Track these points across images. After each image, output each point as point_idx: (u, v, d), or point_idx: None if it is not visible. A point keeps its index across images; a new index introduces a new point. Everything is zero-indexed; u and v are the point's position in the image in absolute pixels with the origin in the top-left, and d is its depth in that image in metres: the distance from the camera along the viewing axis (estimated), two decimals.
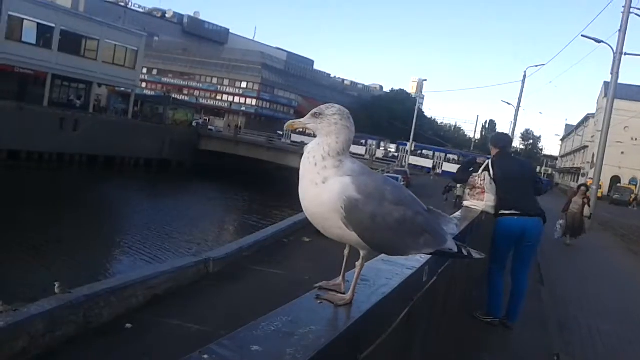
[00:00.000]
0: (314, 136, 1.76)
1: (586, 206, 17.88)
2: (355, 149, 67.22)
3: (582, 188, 19.08)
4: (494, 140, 6.54)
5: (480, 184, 5.96)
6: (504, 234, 5.96)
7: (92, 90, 49.88)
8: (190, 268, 13.98)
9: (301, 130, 1.91)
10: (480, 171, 6.06)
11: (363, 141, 74.56)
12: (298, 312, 1.56)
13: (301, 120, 1.82)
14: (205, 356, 1.18)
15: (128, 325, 10.32)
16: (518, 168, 6.10)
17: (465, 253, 1.97)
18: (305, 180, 1.69)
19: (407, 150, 68.84)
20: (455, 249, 1.92)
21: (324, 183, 1.66)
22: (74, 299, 10.77)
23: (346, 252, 1.81)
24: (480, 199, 5.97)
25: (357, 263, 1.75)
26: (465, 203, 6.30)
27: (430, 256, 2.08)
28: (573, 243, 17.35)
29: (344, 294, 1.76)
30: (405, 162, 63.09)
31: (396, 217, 1.72)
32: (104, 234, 25.73)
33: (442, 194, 30.70)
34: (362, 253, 1.76)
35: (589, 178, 30.46)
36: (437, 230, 1.87)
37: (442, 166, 66.17)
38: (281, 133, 66.75)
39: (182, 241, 25.45)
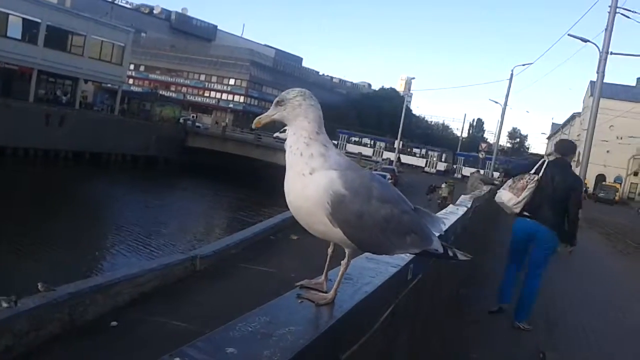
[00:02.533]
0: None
1: (579, 211, 17.14)
2: (358, 149, 66.06)
3: None
4: (556, 145, 6.97)
5: (525, 183, 6.19)
6: (514, 232, 6.55)
7: (78, 86, 49.45)
8: (177, 266, 13.89)
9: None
10: (533, 170, 6.29)
11: (367, 141, 72.61)
12: (277, 312, 1.51)
13: (266, 113, 1.78)
14: (177, 359, 1.13)
15: (114, 323, 10.24)
16: (556, 179, 6.25)
17: (450, 254, 1.94)
18: (292, 171, 1.65)
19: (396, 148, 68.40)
20: (441, 250, 1.89)
21: (311, 174, 1.61)
22: (59, 297, 10.68)
23: (330, 250, 1.77)
24: (518, 194, 6.20)
25: (342, 262, 1.71)
26: (500, 192, 6.58)
27: (415, 255, 2.05)
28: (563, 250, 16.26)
29: (325, 292, 1.72)
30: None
31: (383, 215, 1.68)
32: (90, 231, 25.54)
33: (426, 194, 30.48)
34: (347, 251, 1.72)
35: None
36: (424, 230, 1.84)
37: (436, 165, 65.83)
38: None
39: (169, 238, 25.33)
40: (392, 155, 65.28)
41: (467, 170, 59.32)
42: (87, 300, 11.06)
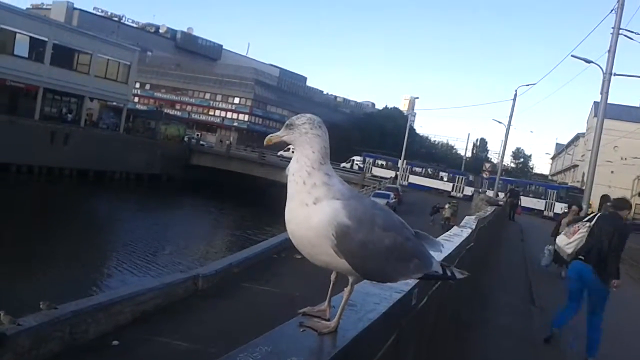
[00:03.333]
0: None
1: None
2: (383, 172, 64.46)
3: (574, 207, 15.96)
4: (613, 200, 7.90)
5: (577, 228, 7.08)
6: (569, 272, 7.33)
7: (83, 104, 49.68)
8: (179, 285, 13.86)
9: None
10: (586, 219, 7.22)
11: (388, 163, 69.33)
12: (279, 341, 1.47)
13: (277, 133, 1.76)
14: None
15: (115, 342, 10.20)
16: (605, 229, 6.86)
17: (449, 274, 1.93)
18: (294, 201, 1.63)
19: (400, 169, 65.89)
20: (441, 271, 1.88)
21: (314, 204, 1.59)
22: (61, 315, 10.65)
23: (333, 276, 1.74)
24: (569, 237, 7.08)
25: (345, 289, 1.69)
26: (559, 237, 7.48)
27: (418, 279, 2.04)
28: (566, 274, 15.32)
29: (328, 320, 1.69)
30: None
31: (387, 244, 1.67)
32: (93, 249, 25.50)
33: (430, 215, 30.17)
34: (350, 279, 1.70)
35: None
36: (425, 255, 1.83)
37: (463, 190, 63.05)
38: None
39: (171, 257, 25.26)
40: (418, 179, 64.17)
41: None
42: (89, 318, 11.03)
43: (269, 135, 1.79)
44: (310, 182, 1.61)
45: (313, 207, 1.59)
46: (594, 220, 7.04)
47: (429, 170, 67.73)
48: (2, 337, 8.96)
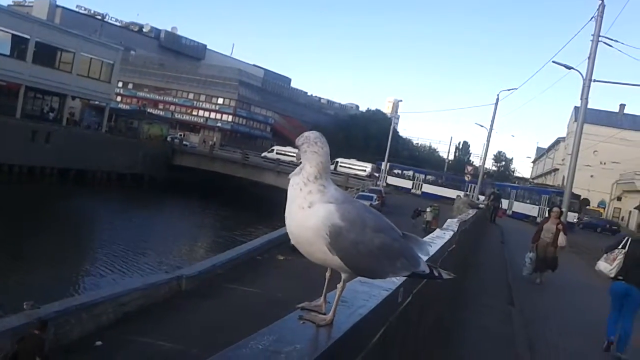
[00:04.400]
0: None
1: (561, 234, 13.68)
2: (399, 182, 63.98)
3: (555, 210, 14.72)
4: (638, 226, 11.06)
5: (616, 255, 8.41)
6: (613, 290, 8.48)
7: (66, 103, 49.29)
8: (163, 285, 13.90)
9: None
10: (620, 246, 8.52)
11: (400, 171, 67.59)
12: (283, 331, 1.63)
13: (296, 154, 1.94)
14: None
15: (98, 343, 10.22)
16: (637, 253, 8.34)
17: (436, 274, 2.09)
18: (293, 204, 1.78)
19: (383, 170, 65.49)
20: (428, 270, 2.04)
21: (309, 207, 1.75)
22: (44, 316, 10.63)
23: (327, 274, 1.89)
24: (610, 263, 8.43)
25: (338, 285, 1.84)
26: (599, 263, 8.76)
27: (405, 278, 2.18)
28: (545, 280, 14.10)
29: (324, 314, 1.84)
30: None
31: (376, 244, 1.82)
32: (75, 249, 25.37)
33: (412, 218, 30.19)
34: (343, 276, 1.85)
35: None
36: (412, 255, 1.98)
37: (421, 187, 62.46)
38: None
39: (154, 258, 25.20)
40: (432, 188, 61.63)
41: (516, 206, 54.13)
42: (72, 319, 11.03)
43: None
44: (306, 190, 1.78)
45: (309, 210, 1.75)
46: (627, 246, 8.48)
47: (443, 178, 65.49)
48: (44, 322, 9.64)
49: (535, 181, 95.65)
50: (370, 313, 2.00)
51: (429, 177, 65.43)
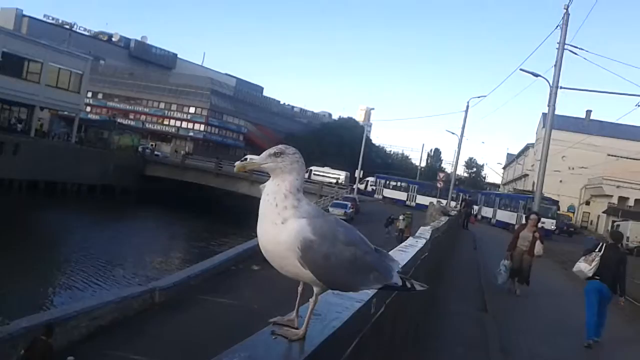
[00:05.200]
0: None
1: (538, 242, 13.09)
2: (395, 194, 62.22)
3: (533, 217, 14.07)
4: (611, 233, 12.13)
5: (594, 257, 9.45)
6: (589, 289, 9.54)
7: (34, 114, 48.59)
8: (136, 298, 13.75)
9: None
10: (597, 249, 9.57)
11: (400, 183, 66.13)
12: (255, 348, 1.62)
13: (255, 160, 1.88)
14: None
15: (70, 358, 10.05)
16: (611, 256, 9.52)
17: (409, 285, 2.11)
18: (266, 220, 1.78)
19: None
20: (400, 283, 2.06)
21: (282, 223, 1.75)
22: (13, 331, 10.44)
23: (300, 288, 1.91)
24: (589, 263, 9.45)
25: (310, 299, 1.86)
26: (578, 264, 9.74)
27: (378, 289, 2.21)
28: (522, 291, 13.39)
29: (297, 329, 1.84)
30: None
31: (347, 257, 1.83)
32: (45, 263, 24.88)
33: (385, 226, 29.86)
34: (315, 290, 1.86)
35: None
36: (385, 267, 2.00)
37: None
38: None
39: (127, 270, 24.90)
40: (428, 200, 58.87)
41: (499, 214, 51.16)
42: None
43: (244, 163, 1.91)
44: (282, 205, 1.77)
45: (281, 226, 1.75)
46: (602, 250, 9.53)
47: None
48: (50, 327, 9.99)
49: (506, 187, 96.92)
50: (343, 325, 2.01)
51: (421, 188, 63.85)
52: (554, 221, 45.71)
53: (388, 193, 64.29)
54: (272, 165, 1.83)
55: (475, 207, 52.27)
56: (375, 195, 64.32)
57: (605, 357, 9.37)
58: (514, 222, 44.50)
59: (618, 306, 10.00)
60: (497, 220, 50.40)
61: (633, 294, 16.43)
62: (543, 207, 42.85)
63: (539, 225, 14.08)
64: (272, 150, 1.86)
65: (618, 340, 10.46)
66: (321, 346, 1.78)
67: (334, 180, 71.21)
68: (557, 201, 50.28)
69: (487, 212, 54.31)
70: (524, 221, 16.60)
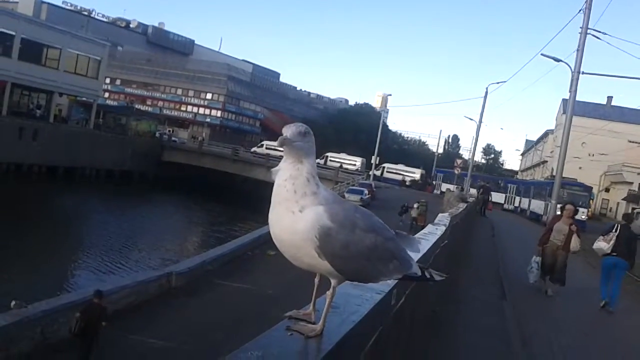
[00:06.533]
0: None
1: (574, 236, 11.67)
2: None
3: (569, 207, 12.22)
4: (624, 216, 14.54)
5: (611, 236, 11.00)
6: (606, 263, 11.17)
7: (53, 99, 48.84)
8: (152, 282, 13.77)
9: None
10: (613, 230, 11.13)
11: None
12: (268, 345, 1.51)
13: (288, 137, 1.68)
14: None
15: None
16: (626, 235, 11.13)
17: (428, 276, 1.99)
18: (280, 207, 1.65)
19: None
20: (419, 273, 1.94)
21: (300, 212, 1.63)
22: (32, 315, 10.50)
23: (316, 280, 1.78)
24: (607, 242, 10.98)
25: (327, 292, 1.73)
26: (597, 243, 11.29)
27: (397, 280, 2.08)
28: (556, 292, 11.86)
29: (314, 324, 1.73)
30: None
31: (367, 244, 1.71)
32: (63, 247, 25.13)
33: (399, 214, 28.87)
34: (332, 282, 1.74)
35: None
36: (404, 256, 1.88)
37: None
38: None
39: (143, 254, 25.04)
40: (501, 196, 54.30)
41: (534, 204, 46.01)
42: (61, 317, 10.89)
43: (286, 139, 1.68)
44: (301, 192, 1.64)
45: (299, 215, 1.63)
46: (618, 230, 11.06)
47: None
48: (99, 292, 10.69)
49: (524, 174, 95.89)
50: (363, 319, 1.88)
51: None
52: (586, 210, 41.21)
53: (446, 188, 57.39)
54: (300, 145, 1.69)
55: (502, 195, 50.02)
56: (435, 191, 59.16)
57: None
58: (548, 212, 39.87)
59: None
60: (531, 211, 45.65)
61: None
62: (574, 194, 39.66)
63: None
64: (300, 127, 1.71)
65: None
66: (340, 343, 1.65)
67: (350, 167, 70.70)
68: (591, 187, 47.42)
69: (523, 202, 50.29)
70: (558, 212, 14.92)
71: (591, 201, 49.26)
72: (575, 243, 11.61)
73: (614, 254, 10.90)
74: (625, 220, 12.10)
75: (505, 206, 53.33)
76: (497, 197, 52.18)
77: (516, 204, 51.87)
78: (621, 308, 11.19)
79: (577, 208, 13.91)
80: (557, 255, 11.58)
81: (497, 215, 34.75)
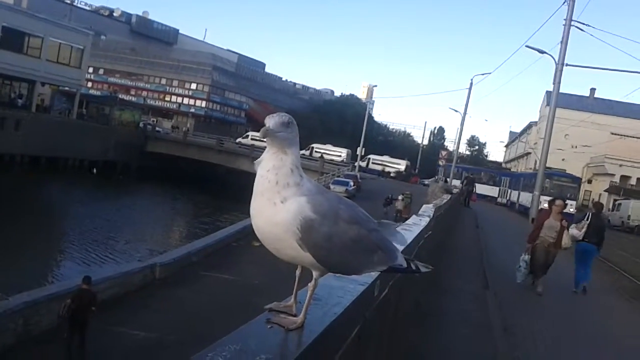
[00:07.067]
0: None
1: (565, 232, 11.35)
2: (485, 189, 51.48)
3: (559, 202, 11.70)
4: (594, 204, 14.92)
5: (582, 225, 12.02)
6: (579, 249, 12.14)
7: (35, 89, 48.22)
8: (136, 274, 13.68)
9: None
10: (585, 219, 12.24)
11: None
12: (247, 339, 1.47)
13: (270, 127, 1.65)
14: None
15: None
16: (596, 223, 12.29)
17: (413, 267, 1.97)
18: (262, 198, 1.62)
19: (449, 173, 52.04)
20: (405, 264, 1.92)
21: (282, 203, 1.60)
22: (13, 306, 10.39)
23: (298, 272, 1.75)
24: (580, 230, 11.97)
25: (309, 284, 1.70)
26: (571, 230, 11.77)
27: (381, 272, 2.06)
28: (543, 289, 11.37)
29: (295, 316, 1.70)
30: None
31: (351, 236, 1.69)
32: (46, 238, 24.87)
33: (383, 206, 28.76)
34: (314, 274, 1.71)
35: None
36: (389, 247, 1.86)
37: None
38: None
39: (127, 246, 24.88)
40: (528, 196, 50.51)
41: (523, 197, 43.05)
42: (43, 309, 10.79)
43: (269, 130, 1.66)
44: (283, 182, 1.61)
45: (281, 206, 1.60)
46: (589, 219, 12.09)
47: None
48: (88, 278, 10.83)
49: (508, 165, 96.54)
50: (345, 311, 1.85)
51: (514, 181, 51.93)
52: (574, 202, 39.39)
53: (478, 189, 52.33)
54: (284, 135, 1.65)
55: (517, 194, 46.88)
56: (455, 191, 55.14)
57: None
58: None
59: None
60: (520, 204, 43.36)
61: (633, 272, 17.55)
62: (563, 185, 38.70)
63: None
64: (283, 117, 1.68)
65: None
66: (321, 336, 1.62)
67: (336, 158, 70.81)
68: (580, 178, 46.22)
69: (513, 195, 48.16)
70: (544, 205, 15.44)
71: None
72: (566, 239, 11.34)
73: (586, 240, 11.99)
74: (595, 210, 13.20)
75: (499, 200, 51.40)
76: (490, 190, 52.48)
77: (509, 198, 49.70)
78: (593, 289, 12.73)
79: (567, 203, 14.78)
80: (549, 252, 11.16)
81: (483, 213, 34.57)
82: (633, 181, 64.17)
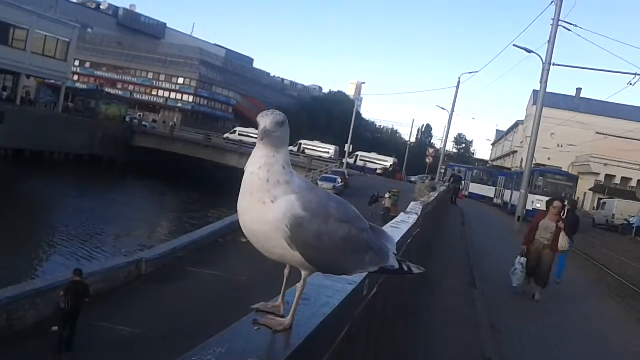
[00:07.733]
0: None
1: (562, 234, 10.92)
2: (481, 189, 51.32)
3: (556, 203, 11.16)
4: (569, 201, 15.26)
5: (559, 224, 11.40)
6: None
7: (20, 81, 47.71)
8: (121, 269, 13.61)
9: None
10: (561, 214, 11.36)
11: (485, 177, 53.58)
12: (233, 341, 1.42)
13: (267, 128, 1.61)
14: None
15: (54, 328, 9.94)
16: (571, 217, 13.38)
17: (405, 268, 1.93)
18: (252, 197, 1.58)
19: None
20: (397, 265, 1.88)
21: (272, 202, 1.56)
22: None
23: (286, 271, 1.71)
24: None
25: (297, 284, 1.66)
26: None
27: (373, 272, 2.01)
28: (541, 296, 10.94)
29: (282, 317, 1.66)
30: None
31: (341, 235, 1.65)
32: (29, 232, 24.61)
33: (368, 204, 27.88)
34: (303, 274, 1.67)
35: None
36: (381, 247, 1.82)
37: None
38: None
39: (113, 241, 24.70)
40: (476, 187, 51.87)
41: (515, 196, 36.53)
42: (27, 304, 10.70)
43: (266, 131, 1.62)
44: (274, 180, 1.58)
45: (270, 205, 1.56)
46: (565, 214, 11.79)
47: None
48: (79, 270, 10.99)
49: (494, 163, 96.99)
50: (334, 311, 1.81)
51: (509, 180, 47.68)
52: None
53: (473, 188, 53.09)
54: (278, 135, 1.62)
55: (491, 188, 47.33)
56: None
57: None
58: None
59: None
60: (512, 204, 38.62)
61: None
62: (558, 183, 35.93)
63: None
64: (278, 117, 1.63)
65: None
66: (310, 337, 1.58)
67: (324, 154, 70.76)
68: (576, 176, 44.79)
69: (506, 195, 44.95)
70: (538, 204, 15.84)
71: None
72: (563, 241, 10.94)
73: None
74: (570, 206, 14.67)
75: (495, 200, 48.63)
76: (486, 190, 50.92)
77: (503, 197, 46.47)
78: (565, 279, 13.55)
79: (565, 204, 12.39)
80: (543, 254, 10.64)
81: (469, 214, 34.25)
82: (617, 180, 64.77)
